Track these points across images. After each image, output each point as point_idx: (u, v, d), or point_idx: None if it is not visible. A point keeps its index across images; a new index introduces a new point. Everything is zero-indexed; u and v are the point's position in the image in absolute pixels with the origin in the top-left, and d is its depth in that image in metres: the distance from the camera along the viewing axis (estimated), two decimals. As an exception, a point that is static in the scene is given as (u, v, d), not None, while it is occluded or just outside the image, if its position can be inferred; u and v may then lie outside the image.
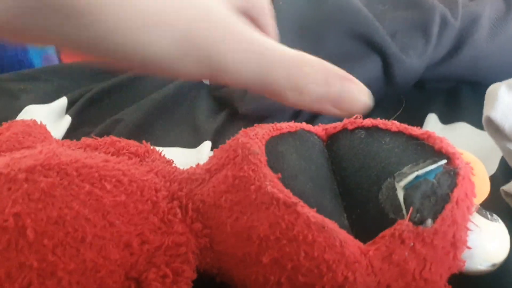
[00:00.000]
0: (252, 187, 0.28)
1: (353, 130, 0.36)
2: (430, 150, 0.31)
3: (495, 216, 0.33)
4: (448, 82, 0.62)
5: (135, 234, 0.28)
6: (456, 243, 0.28)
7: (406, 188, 0.29)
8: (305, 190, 0.30)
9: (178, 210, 0.30)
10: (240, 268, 0.29)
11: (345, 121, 0.37)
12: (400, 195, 0.29)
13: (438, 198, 0.28)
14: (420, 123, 0.55)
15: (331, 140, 0.37)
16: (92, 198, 0.28)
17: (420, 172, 0.29)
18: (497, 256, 0.31)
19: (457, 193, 0.28)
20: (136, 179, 0.30)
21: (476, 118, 0.52)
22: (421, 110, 0.58)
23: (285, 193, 0.28)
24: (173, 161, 0.39)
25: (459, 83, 0.61)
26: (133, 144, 0.38)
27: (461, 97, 0.59)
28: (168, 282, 0.28)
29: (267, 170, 0.29)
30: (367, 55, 0.56)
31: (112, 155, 0.36)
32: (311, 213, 0.27)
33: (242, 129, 0.36)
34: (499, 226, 0.32)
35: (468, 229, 0.29)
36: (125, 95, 0.64)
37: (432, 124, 0.55)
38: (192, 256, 0.29)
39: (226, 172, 0.30)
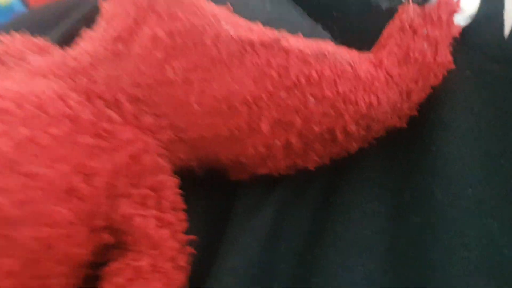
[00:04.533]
0: (207, 39, 0.19)
1: None
2: None
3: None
4: None
5: (71, 172, 0.18)
6: (453, 7, 0.23)
7: (388, -38, 0.22)
8: (267, 14, 0.21)
9: (110, 112, 0.20)
10: (229, 147, 0.21)
11: None
12: (385, -26, 0.22)
13: (429, -39, 0.22)
14: None
15: None
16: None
17: None
18: (474, 4, 0.27)
19: None
20: (26, 95, 0.19)
21: None
22: None
23: (255, 30, 0.19)
24: (46, 45, 0.26)
25: None
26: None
27: None
28: (152, 205, 0.20)
29: (212, 5, 0.20)
30: None
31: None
32: (301, 43, 0.19)
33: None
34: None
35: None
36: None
37: None
38: (161, 160, 0.21)
39: (150, 30, 0.20)
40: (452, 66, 0.24)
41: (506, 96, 0.22)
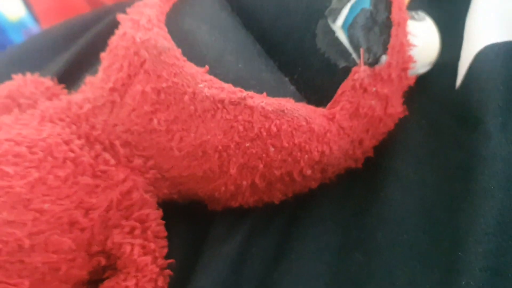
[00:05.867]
0: (185, 97, 0.23)
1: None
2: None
3: (421, 13, 0.31)
4: None
5: (73, 208, 0.23)
6: (405, 64, 0.27)
7: (345, 27, 0.25)
8: (239, 71, 0.25)
9: (106, 155, 0.24)
10: (204, 184, 0.25)
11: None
12: (342, 37, 0.25)
13: (380, 26, 0.25)
14: None
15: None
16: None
17: (353, 1, 0.26)
18: (433, 53, 0.31)
19: (395, 12, 0.26)
20: (36, 141, 0.23)
21: None
22: None
23: (226, 90, 0.23)
24: (55, 87, 0.30)
25: None
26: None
27: None
28: (138, 234, 0.24)
29: (191, 68, 0.24)
30: None
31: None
32: (264, 101, 0.23)
33: (120, 15, 0.28)
34: (428, 23, 0.31)
35: (411, 44, 0.27)
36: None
37: None
38: (148, 195, 0.25)
39: (140, 87, 0.24)
40: (403, 115, 0.28)
41: (450, 148, 0.26)
